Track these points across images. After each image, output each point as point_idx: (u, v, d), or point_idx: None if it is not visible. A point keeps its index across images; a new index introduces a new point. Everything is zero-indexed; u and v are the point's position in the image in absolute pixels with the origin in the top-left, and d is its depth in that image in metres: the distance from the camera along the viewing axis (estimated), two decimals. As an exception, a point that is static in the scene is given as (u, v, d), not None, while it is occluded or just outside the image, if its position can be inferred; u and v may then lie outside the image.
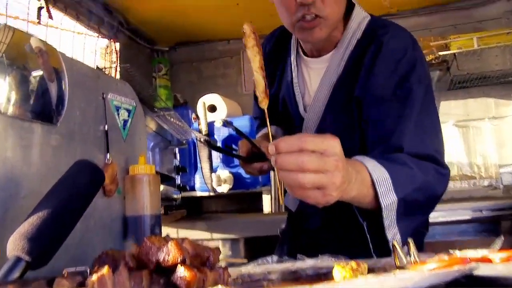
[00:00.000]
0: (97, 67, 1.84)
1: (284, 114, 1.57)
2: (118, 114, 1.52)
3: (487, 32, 3.07)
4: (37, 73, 1.22)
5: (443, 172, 1.16)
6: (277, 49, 1.58)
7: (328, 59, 1.38)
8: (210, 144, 1.40)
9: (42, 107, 1.22)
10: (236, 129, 1.52)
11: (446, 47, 3.06)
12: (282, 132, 1.68)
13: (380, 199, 1.02)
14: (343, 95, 1.34)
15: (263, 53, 1.63)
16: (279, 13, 1.33)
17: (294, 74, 1.48)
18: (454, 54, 3.07)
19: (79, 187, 0.95)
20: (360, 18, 1.37)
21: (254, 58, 1.10)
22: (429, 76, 1.31)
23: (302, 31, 1.29)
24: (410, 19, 3.52)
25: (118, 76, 3.33)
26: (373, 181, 1.02)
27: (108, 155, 1.48)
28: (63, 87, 1.24)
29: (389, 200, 1.03)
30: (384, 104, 1.22)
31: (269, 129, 1.16)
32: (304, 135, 0.95)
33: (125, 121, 1.56)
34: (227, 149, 1.56)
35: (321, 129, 1.40)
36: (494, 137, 3.37)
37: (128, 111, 1.58)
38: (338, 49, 1.36)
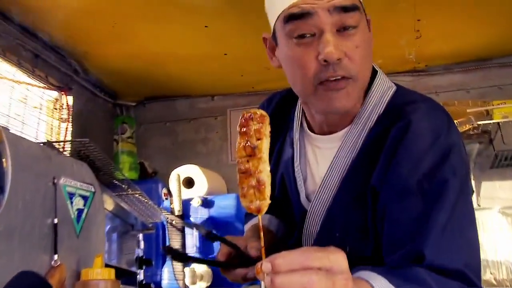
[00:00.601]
0: (48, 142, 1.87)
1: (281, 201, 1.56)
2: (72, 203, 1.55)
3: (541, 97, 3.18)
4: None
5: None
6: (275, 121, 1.56)
7: (341, 137, 1.39)
8: (183, 255, 1.37)
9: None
10: (208, 234, 1.53)
11: (488, 114, 3.13)
12: (277, 224, 1.68)
13: None
14: (357, 184, 1.34)
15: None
16: (290, 74, 1.33)
17: (296, 154, 1.49)
18: (498, 123, 3.14)
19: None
20: (383, 88, 1.38)
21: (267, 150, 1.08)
22: (467, 166, 1.31)
23: (325, 95, 1.28)
24: (442, 78, 3.65)
25: (68, 137, 3.37)
26: None
27: (55, 256, 1.49)
28: (4, 173, 1.27)
29: None
30: (407, 200, 1.22)
31: (261, 234, 1.16)
32: (308, 250, 0.97)
33: (80, 212, 1.59)
34: (198, 258, 1.53)
35: (327, 225, 1.40)
36: (553, 228, 3.38)
37: (85, 198, 1.61)
38: (354, 126, 1.37)
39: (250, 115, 1.03)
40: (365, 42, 1.26)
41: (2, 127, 1.31)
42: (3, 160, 1.36)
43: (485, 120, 3.11)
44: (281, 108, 1.60)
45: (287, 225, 1.63)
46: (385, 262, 1.21)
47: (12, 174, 1.32)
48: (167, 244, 3.46)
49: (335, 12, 1.19)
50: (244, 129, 1.03)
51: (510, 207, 3.44)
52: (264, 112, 1.04)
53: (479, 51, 3.58)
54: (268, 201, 1.03)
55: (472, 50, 3.55)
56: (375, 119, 1.35)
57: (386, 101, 1.36)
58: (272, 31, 1.36)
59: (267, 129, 1.04)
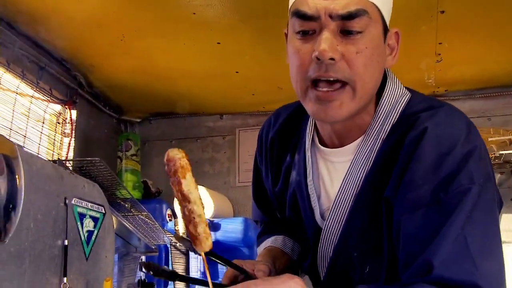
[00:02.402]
0: (59, 160, 1.91)
1: (293, 220, 1.57)
2: (82, 225, 1.59)
3: None
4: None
5: None
6: (283, 136, 1.59)
7: (353, 150, 1.38)
8: (163, 271, 1.34)
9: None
10: (213, 255, 1.54)
11: (511, 143, 3.15)
12: (291, 245, 1.67)
13: None
14: (372, 199, 1.33)
15: (263, 140, 1.65)
16: (290, 69, 1.32)
17: (308, 171, 1.47)
18: (521, 153, 3.16)
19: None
20: (396, 96, 1.37)
21: (195, 189, 1.10)
22: (488, 172, 1.27)
23: (315, 103, 1.27)
24: (463, 103, 3.67)
25: (71, 155, 3.40)
26: None
27: (65, 279, 1.52)
28: (18, 192, 1.31)
29: None
30: (420, 212, 1.19)
31: (209, 275, 1.16)
32: (250, 283, 0.98)
33: (90, 233, 1.63)
34: (185, 276, 1.51)
35: (344, 244, 1.39)
36: None
37: (95, 220, 1.65)
38: (367, 137, 1.36)
39: (167, 157, 1.08)
40: (369, 50, 1.23)
41: (17, 145, 1.35)
42: (16, 176, 1.40)
43: (507, 150, 3.12)
44: (289, 124, 1.58)
45: (302, 245, 1.63)
46: (400, 279, 1.19)
47: (25, 193, 1.36)
48: (170, 267, 3.47)
49: (338, 18, 1.19)
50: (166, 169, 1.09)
51: (532, 241, 3.47)
52: (175, 153, 1.08)
53: (501, 77, 3.61)
54: (204, 241, 1.07)
55: (494, 75, 3.58)
56: (389, 129, 1.34)
57: (400, 110, 1.35)
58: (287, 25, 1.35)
59: (184, 162, 1.08)
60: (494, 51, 3.22)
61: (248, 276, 1.40)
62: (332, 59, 1.19)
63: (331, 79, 1.21)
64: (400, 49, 1.35)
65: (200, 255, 1.12)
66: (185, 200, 1.06)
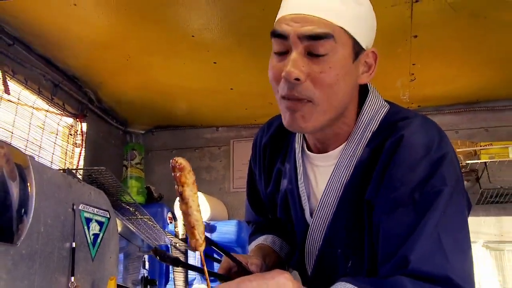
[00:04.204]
0: (68, 170, 1.88)
1: (283, 220, 1.56)
2: (89, 228, 1.55)
3: (525, 141, 3.21)
4: None
5: None
6: (275, 142, 1.58)
7: (336, 155, 1.38)
8: (168, 257, 1.34)
9: (1, 224, 1.25)
10: (212, 243, 1.52)
11: (476, 154, 3.16)
12: (280, 243, 1.67)
13: None
14: (355, 200, 1.33)
15: (257, 146, 1.64)
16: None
17: (299, 173, 1.47)
18: (485, 163, 3.17)
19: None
20: (376, 107, 1.36)
21: (194, 197, 1.09)
22: (458, 175, 1.27)
23: (285, 114, 1.26)
24: (433, 118, 3.45)
25: (81, 163, 3.38)
26: None
27: (72, 278, 1.49)
28: (29, 199, 1.28)
29: None
30: (397, 212, 1.19)
31: (206, 274, 1.14)
32: (244, 279, 0.96)
33: (96, 236, 1.59)
34: (189, 264, 1.49)
35: (328, 241, 1.39)
36: (535, 263, 3.38)
37: (100, 224, 1.62)
38: (349, 144, 1.36)
39: (173, 163, 1.04)
40: (334, 70, 1.21)
41: (30, 155, 1.33)
42: (28, 184, 1.37)
43: (473, 160, 3.13)
44: (280, 131, 1.56)
45: (290, 244, 1.63)
46: (379, 274, 1.18)
47: (36, 200, 1.33)
48: (170, 266, 3.45)
49: (305, 39, 1.18)
50: (173, 175, 1.05)
51: (493, 242, 3.47)
52: (184, 162, 1.04)
53: (468, 95, 3.63)
54: (200, 241, 1.05)
55: (462, 93, 3.60)
56: (369, 136, 1.33)
57: (380, 119, 1.34)
58: None
59: (188, 177, 1.04)
60: (461, 72, 3.24)
61: (242, 268, 1.39)
62: (297, 79, 1.18)
63: (294, 97, 1.21)
64: (378, 69, 1.33)
65: (196, 251, 1.10)
66: (185, 206, 1.04)
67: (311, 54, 1.19)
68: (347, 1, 1.22)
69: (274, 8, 1.30)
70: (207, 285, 1.03)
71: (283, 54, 1.22)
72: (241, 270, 1.38)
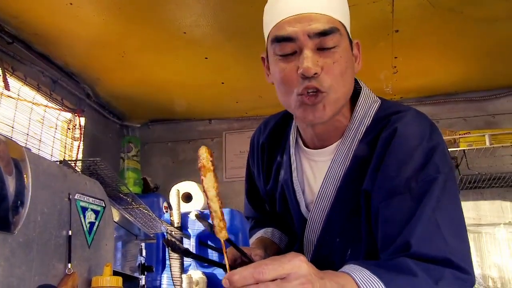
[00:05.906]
0: (64, 161, 1.87)
1: (283, 214, 1.57)
2: (84, 217, 1.54)
3: (501, 129, 3.21)
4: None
5: (462, 277, 1.11)
6: (271, 142, 1.59)
7: (333, 150, 1.39)
8: (178, 248, 1.34)
9: (-1, 213, 1.24)
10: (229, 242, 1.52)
11: (455, 142, 3.16)
12: (279, 236, 1.67)
13: None
14: (351, 191, 1.34)
15: (254, 146, 1.66)
16: (277, 88, 1.32)
17: (293, 169, 1.48)
18: (464, 151, 3.17)
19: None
20: (369, 102, 1.37)
21: (213, 186, 1.06)
22: (450, 164, 1.29)
23: (303, 108, 1.27)
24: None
25: (80, 155, 3.36)
26: None
27: (69, 265, 1.48)
28: (26, 190, 1.27)
29: None
30: (395, 199, 1.21)
31: (226, 260, 1.13)
32: (261, 263, 0.94)
33: (92, 224, 1.58)
34: (195, 254, 1.48)
35: (327, 231, 1.39)
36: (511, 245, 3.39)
37: (96, 212, 1.60)
38: (344, 139, 1.37)
39: (198, 153, 1.01)
40: (343, 59, 1.25)
41: (24, 147, 1.31)
42: (24, 176, 1.35)
43: (452, 148, 3.13)
44: (276, 130, 1.59)
45: (290, 236, 1.64)
46: (380, 259, 1.19)
47: (32, 190, 1.31)
48: (166, 252, 3.44)
49: (315, 36, 1.20)
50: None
51: (472, 225, 3.47)
52: (203, 153, 1.01)
53: (447, 86, 3.64)
54: (218, 228, 1.03)
55: (441, 85, 3.61)
56: (364, 131, 1.35)
57: (373, 114, 1.36)
58: (266, 51, 1.36)
59: (206, 166, 1.01)
60: (441, 64, 3.25)
61: (247, 258, 1.39)
62: (315, 73, 1.21)
63: (315, 90, 1.23)
64: (363, 62, 1.37)
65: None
66: (206, 195, 1.02)
67: (321, 49, 1.22)
68: None
69: (263, 5, 1.32)
70: (227, 270, 1.02)
71: (289, 55, 1.25)
72: (246, 261, 1.38)
